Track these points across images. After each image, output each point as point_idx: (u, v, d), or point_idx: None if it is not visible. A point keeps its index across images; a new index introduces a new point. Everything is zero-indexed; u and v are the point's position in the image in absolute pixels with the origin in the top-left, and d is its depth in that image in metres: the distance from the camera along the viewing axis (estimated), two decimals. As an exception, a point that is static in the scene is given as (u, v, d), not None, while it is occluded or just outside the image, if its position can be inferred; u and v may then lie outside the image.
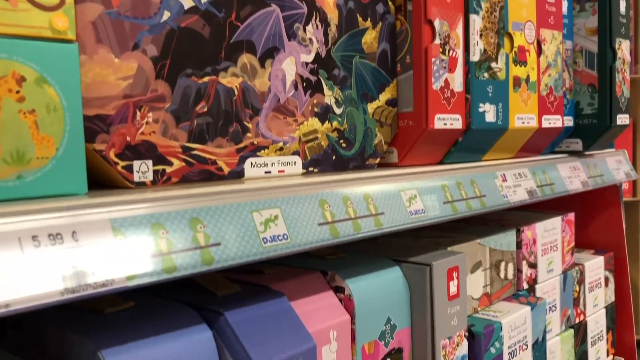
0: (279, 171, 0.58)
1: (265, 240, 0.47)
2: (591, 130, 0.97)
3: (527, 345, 0.83)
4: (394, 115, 0.70)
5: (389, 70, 0.69)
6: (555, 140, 0.98)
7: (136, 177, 0.48)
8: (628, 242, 2.65)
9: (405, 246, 0.78)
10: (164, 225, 0.41)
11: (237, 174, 0.55)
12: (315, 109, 0.61)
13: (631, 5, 2.62)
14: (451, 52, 0.70)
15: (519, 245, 0.91)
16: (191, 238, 0.43)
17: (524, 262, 0.91)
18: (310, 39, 0.61)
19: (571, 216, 1.05)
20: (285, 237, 0.49)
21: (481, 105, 0.74)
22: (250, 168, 0.56)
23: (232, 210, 0.46)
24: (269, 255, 0.47)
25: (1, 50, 0.39)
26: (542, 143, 0.91)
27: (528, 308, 0.84)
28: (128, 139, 0.47)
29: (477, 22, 0.72)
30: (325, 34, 0.62)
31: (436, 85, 0.68)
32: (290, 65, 0.59)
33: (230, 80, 0.53)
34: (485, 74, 0.74)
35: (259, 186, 0.51)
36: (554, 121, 0.88)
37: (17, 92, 0.40)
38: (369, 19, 0.66)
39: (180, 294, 0.56)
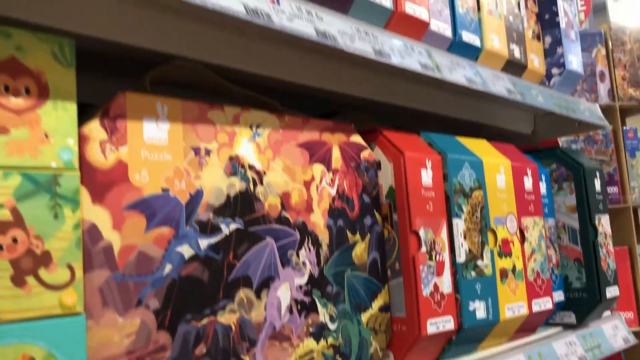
0: (276, 399, 0.59)
1: None
2: (582, 304, 0.99)
3: None
4: (387, 321, 0.72)
5: (380, 277, 0.72)
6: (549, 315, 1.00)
7: None
8: None
9: None
10: None
11: (235, 411, 0.56)
12: (310, 329, 0.64)
13: (611, 139, 2.75)
14: (438, 256, 0.74)
15: None
16: None
17: None
18: (304, 262, 0.64)
19: (574, 389, 1.03)
20: None
21: (471, 303, 0.76)
22: (247, 402, 0.57)
23: None
24: None
25: (13, 336, 0.42)
26: (536, 323, 0.93)
27: None
28: (129, 394, 0.49)
29: (460, 225, 0.77)
30: (318, 255, 0.66)
31: (426, 291, 0.71)
32: (285, 291, 0.62)
33: (227, 317, 0.56)
34: (473, 273, 0.77)
35: None
36: (544, 304, 0.90)
37: (26, 377, 0.42)
38: (357, 232, 0.71)
39: None
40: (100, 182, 0.49)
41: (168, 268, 0.53)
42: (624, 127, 2.76)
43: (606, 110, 2.67)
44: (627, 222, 2.73)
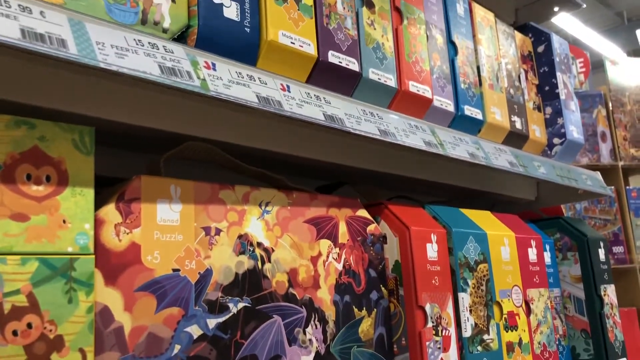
0: None
1: None
2: (591, 376, 0.98)
3: None
4: (393, 397, 0.71)
5: (387, 353, 0.72)
6: (557, 387, 0.99)
7: None
8: None
9: None
10: None
11: None
12: (316, 408, 0.63)
13: (615, 199, 2.76)
14: (444, 331, 0.74)
15: None
16: None
17: None
18: (310, 340, 0.65)
19: None
20: None
21: (478, 380, 0.76)
22: None
23: None
24: None
25: (24, 423, 0.43)
26: (543, 396, 0.92)
27: None
28: None
29: (465, 299, 0.78)
30: (324, 332, 0.66)
31: (432, 367, 0.71)
32: (292, 369, 0.62)
33: (234, 398, 0.56)
34: (479, 347, 0.77)
35: None
36: (552, 378, 0.89)
37: None
38: (364, 308, 0.71)
39: None
40: (113, 265, 0.51)
41: (177, 348, 0.53)
42: (627, 187, 2.78)
43: (609, 170, 2.70)
44: (634, 282, 2.70)
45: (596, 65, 3.33)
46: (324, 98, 0.62)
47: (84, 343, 0.47)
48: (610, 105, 2.81)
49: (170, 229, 0.55)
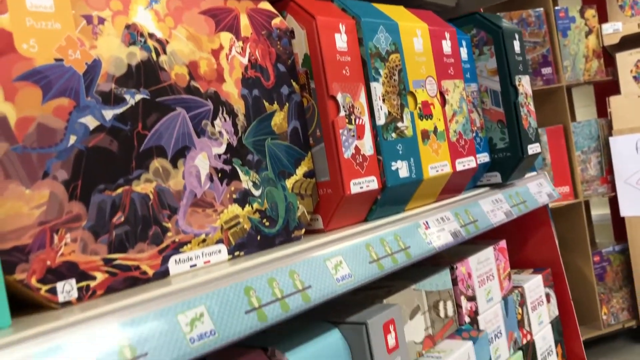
0: (205, 262, 0.61)
1: (192, 340, 0.50)
2: (506, 163, 1.03)
3: (474, 379, 0.87)
4: (313, 186, 0.74)
5: (303, 145, 0.73)
6: (476, 176, 1.04)
7: (61, 298, 0.50)
8: (576, 241, 2.76)
9: (343, 303, 0.82)
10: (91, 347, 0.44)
11: (162, 274, 0.57)
12: (234, 196, 0.65)
13: (544, 20, 2.78)
14: (357, 120, 0.75)
15: (454, 282, 0.95)
16: (117, 355, 0.45)
17: (463, 297, 0.96)
18: (220, 132, 0.64)
19: (503, 244, 1.10)
20: (213, 332, 0.52)
21: (393, 163, 0.78)
22: (174, 265, 0.58)
23: (156, 318, 0.49)
24: (198, 355, 0.50)
25: None
26: (461, 183, 0.97)
27: (470, 343, 0.88)
28: (48, 263, 0.49)
29: (378, 88, 0.78)
30: (235, 125, 0.66)
31: (347, 153, 0.73)
32: (203, 160, 0.62)
33: (144, 186, 0.56)
34: (393, 134, 0.79)
35: (181, 286, 0.53)
36: (467, 163, 0.93)
37: None
38: (275, 102, 0.71)
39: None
40: (-18, 52, 0.47)
41: (73, 139, 0.52)
42: (556, 7, 2.79)
43: (538, -10, 2.68)
44: (561, 101, 2.82)
45: None
46: None
47: (-38, 130, 0.44)
48: None
49: (45, 16, 0.51)
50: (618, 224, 2.99)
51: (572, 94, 3.28)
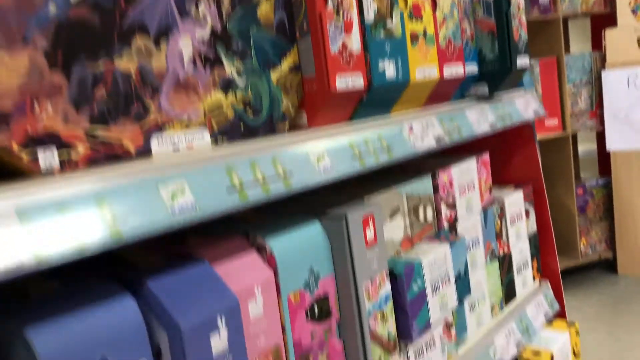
0: (188, 146, 0.62)
1: (173, 211, 0.51)
2: (495, 74, 1.03)
3: (449, 279, 0.90)
4: (298, 81, 0.73)
5: (288, 38, 0.72)
6: (463, 86, 1.04)
7: (43, 166, 0.50)
8: (561, 174, 2.80)
9: (328, 201, 0.83)
10: (71, 209, 0.44)
11: (145, 153, 0.58)
12: (218, 82, 0.64)
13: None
14: (345, 14, 0.74)
15: (435, 189, 0.97)
16: (99, 218, 0.46)
17: (443, 204, 0.98)
18: (204, 16, 0.63)
19: (486, 156, 1.12)
20: (194, 207, 0.53)
21: (380, 63, 0.78)
22: (157, 146, 0.59)
23: (139, 188, 0.50)
24: (179, 225, 0.51)
25: None
26: (448, 91, 0.97)
27: (447, 245, 0.91)
28: (29, 130, 0.49)
29: (367, -17, 0.76)
30: (219, 10, 0.65)
31: (334, 48, 0.72)
32: (187, 42, 0.61)
33: (126, 64, 0.56)
34: (382, 33, 0.78)
35: (163, 163, 0.54)
36: (455, 70, 0.93)
37: None
38: (261, -10, 0.69)
39: (105, 269, 0.60)
40: None
41: (53, 8, 0.51)
42: None
43: None
44: (556, 33, 2.78)
45: None
46: None
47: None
48: None
49: None
50: (603, 159, 3.03)
51: (568, 25, 3.23)
